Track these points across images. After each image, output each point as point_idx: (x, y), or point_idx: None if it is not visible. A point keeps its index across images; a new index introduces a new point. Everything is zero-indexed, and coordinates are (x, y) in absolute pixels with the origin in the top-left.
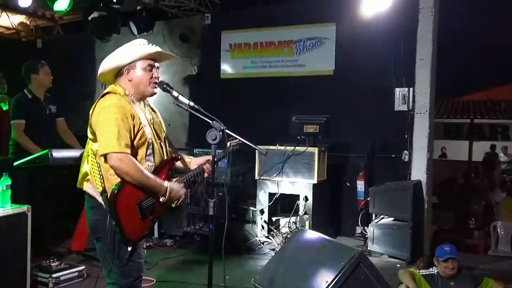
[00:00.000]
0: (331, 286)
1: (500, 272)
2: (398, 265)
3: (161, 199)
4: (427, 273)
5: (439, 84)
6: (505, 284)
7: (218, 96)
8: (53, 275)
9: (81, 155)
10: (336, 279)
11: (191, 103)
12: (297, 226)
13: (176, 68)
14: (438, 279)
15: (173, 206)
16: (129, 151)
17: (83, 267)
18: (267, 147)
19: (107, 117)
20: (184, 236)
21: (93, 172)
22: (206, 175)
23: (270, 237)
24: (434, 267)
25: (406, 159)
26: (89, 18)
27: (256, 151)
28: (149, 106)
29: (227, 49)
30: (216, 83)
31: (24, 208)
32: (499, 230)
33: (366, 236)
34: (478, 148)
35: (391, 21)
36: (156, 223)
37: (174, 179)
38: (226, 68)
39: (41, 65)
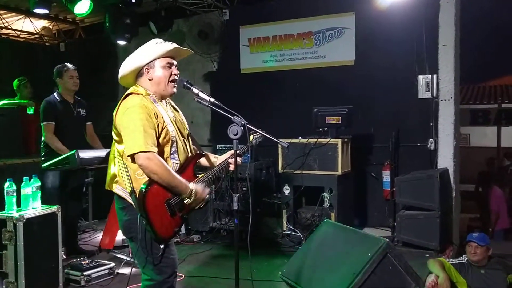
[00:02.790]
0: (358, 277)
1: None
2: (427, 255)
3: (185, 201)
4: (457, 262)
5: (464, 70)
6: None
7: (239, 91)
8: (85, 273)
9: (107, 155)
10: (364, 270)
11: (212, 99)
12: (323, 218)
13: (196, 65)
14: (468, 268)
15: (197, 208)
16: (156, 150)
17: (113, 264)
18: (289, 140)
19: (132, 118)
20: (210, 232)
21: (121, 173)
22: (232, 167)
23: (295, 230)
24: (464, 256)
25: (432, 147)
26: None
27: (279, 144)
28: (171, 104)
29: (246, 44)
30: (237, 78)
31: (54, 208)
32: None
33: (394, 226)
34: (507, 134)
35: (411, 7)
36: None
37: (200, 175)
38: (246, 63)
39: (65, 70)
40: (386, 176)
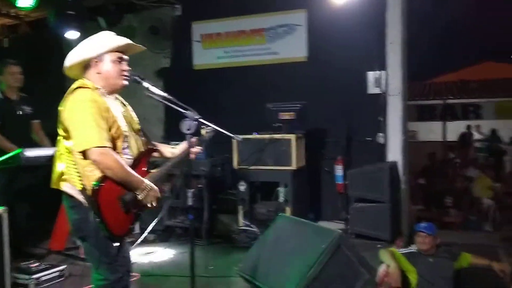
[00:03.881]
0: (313, 269)
1: (477, 247)
2: (379, 246)
3: (139, 196)
4: (407, 251)
5: (411, 67)
6: (481, 257)
7: (192, 88)
8: (33, 276)
9: (54, 154)
10: (318, 262)
11: (163, 94)
12: (278, 213)
13: (148, 62)
14: (417, 257)
15: (149, 206)
16: (110, 145)
17: (64, 266)
18: (243, 136)
19: (82, 112)
20: (165, 230)
21: (69, 170)
22: (192, 156)
23: (251, 225)
24: (413, 245)
25: (382, 142)
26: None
27: (234, 140)
28: (119, 99)
29: (199, 39)
30: (190, 74)
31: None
32: (486, 207)
33: (347, 218)
34: (451, 128)
35: (361, 5)
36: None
37: (153, 171)
38: (199, 59)
39: (5, 66)
40: (339, 170)
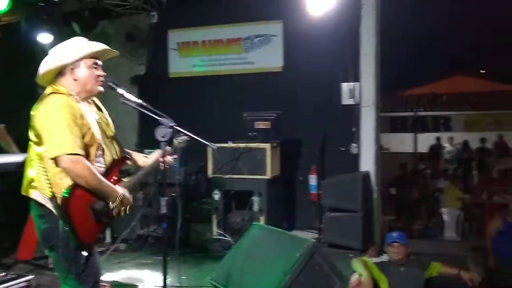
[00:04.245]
0: (286, 278)
1: (446, 256)
2: (351, 255)
3: (110, 205)
4: (379, 261)
5: (384, 79)
6: (450, 266)
7: (168, 96)
8: None
9: (25, 160)
10: (291, 271)
11: (138, 100)
12: (252, 222)
13: (123, 68)
14: (388, 266)
15: (122, 214)
16: (82, 152)
17: (32, 276)
18: (218, 144)
19: (56, 118)
20: (137, 239)
21: (39, 177)
22: (166, 166)
23: (225, 235)
24: (385, 254)
25: (355, 152)
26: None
27: (208, 148)
28: (95, 104)
29: (175, 47)
30: (165, 82)
31: None
32: (444, 216)
33: (320, 228)
34: (422, 140)
35: (337, 17)
36: (109, 228)
37: (125, 179)
38: (175, 67)
39: None
40: (313, 179)
